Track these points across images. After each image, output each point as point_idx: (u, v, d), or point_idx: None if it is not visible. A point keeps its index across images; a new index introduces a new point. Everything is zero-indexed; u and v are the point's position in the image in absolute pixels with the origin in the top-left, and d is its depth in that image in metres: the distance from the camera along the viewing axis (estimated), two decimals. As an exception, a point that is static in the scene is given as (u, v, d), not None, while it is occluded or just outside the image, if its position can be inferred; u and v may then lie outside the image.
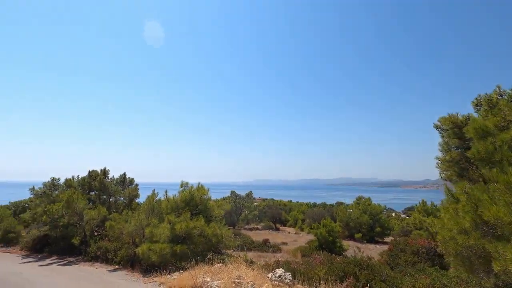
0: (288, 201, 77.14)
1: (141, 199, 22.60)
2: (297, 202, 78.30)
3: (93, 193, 21.49)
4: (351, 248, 27.23)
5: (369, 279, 9.48)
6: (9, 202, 41.62)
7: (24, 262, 17.05)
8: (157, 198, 13.92)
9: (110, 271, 12.87)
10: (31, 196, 22.36)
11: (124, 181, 22.88)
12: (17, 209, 37.06)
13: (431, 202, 23.90)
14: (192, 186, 12.32)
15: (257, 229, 46.84)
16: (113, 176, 22.60)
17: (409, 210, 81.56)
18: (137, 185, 22.35)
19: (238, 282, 6.54)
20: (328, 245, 23.32)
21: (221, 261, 9.27)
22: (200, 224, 10.53)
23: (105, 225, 14.68)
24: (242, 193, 55.98)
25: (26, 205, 35.27)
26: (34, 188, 21.10)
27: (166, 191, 12.47)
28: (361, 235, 35.19)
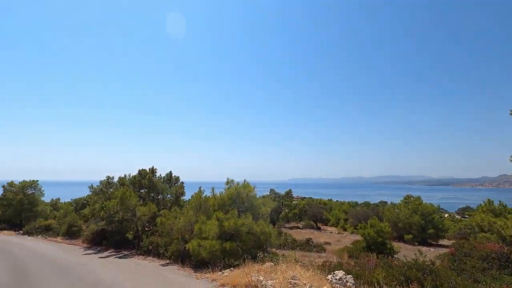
0: (329, 200, 74.98)
1: (186, 196, 23.42)
2: (337, 201, 75.80)
3: (143, 190, 22.75)
4: (402, 250, 25.43)
5: (435, 286, 8.57)
6: (71, 199, 46.14)
7: (86, 254, 18.60)
8: (203, 195, 14.20)
9: (162, 265, 13.43)
10: (90, 193, 24.35)
11: (170, 179, 23.88)
12: (78, 205, 40.96)
13: (499, 202, 21.26)
14: (238, 183, 12.35)
15: (298, 227, 46.15)
16: (160, 175, 23.72)
17: (464, 211, 74.18)
18: (182, 183, 23.20)
19: (294, 283, 6.25)
20: (377, 247, 21.99)
21: (272, 259, 9.07)
22: (248, 222, 10.46)
23: (156, 221, 15.37)
24: (281, 191, 55.61)
25: (85, 201, 38.79)
26: (92, 186, 22.96)
27: (213, 188, 12.64)
28: (411, 236, 32.76)
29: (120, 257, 16.77)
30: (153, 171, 23.29)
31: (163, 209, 20.85)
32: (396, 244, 26.38)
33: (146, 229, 20.47)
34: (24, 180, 36.80)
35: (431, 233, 32.50)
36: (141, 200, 21.67)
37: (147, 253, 16.32)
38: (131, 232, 20.43)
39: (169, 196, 23.00)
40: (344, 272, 6.43)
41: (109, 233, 21.49)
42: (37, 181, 37.59)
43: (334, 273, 6.44)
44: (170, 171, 24.26)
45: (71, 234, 26.21)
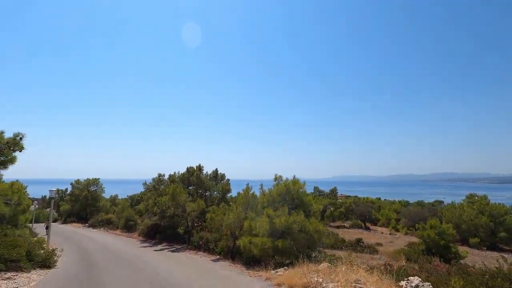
0: (377, 198, 70.60)
1: (231, 193, 23.68)
2: (385, 200, 71.04)
3: (191, 187, 23.56)
4: (469, 255, 22.72)
5: (527, 300, 7.25)
6: (127, 196, 50.00)
7: (142, 247, 19.80)
8: (250, 192, 14.10)
9: (213, 260, 13.63)
10: (144, 190, 25.96)
11: (216, 176, 24.38)
12: (133, 201, 44.19)
13: None
14: (287, 179, 11.97)
15: (344, 227, 44.20)
16: (206, 172, 24.34)
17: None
18: (228, 180, 23.51)
19: (360, 288, 5.67)
20: (439, 250, 19.88)
21: (328, 260, 8.52)
22: (300, 219, 10.02)
23: (206, 217, 15.69)
24: (325, 189, 53.77)
25: (139, 198, 41.70)
26: (145, 183, 24.42)
27: (261, 185, 12.47)
28: (478, 240, 29.20)
29: (172, 251, 17.49)
30: (200, 168, 23.97)
31: (210, 205, 21.35)
32: (460, 248, 23.68)
33: (196, 224, 21.14)
34: (87, 178, 40.83)
35: (503, 237, 28.62)
36: (190, 197, 22.42)
37: (197, 248, 16.77)
38: (181, 227, 21.27)
39: (215, 193, 23.48)
40: (420, 279, 5.65)
41: (162, 227, 22.68)
42: (98, 179, 41.42)
43: (409, 279, 5.69)
44: (216, 169, 24.77)
45: (128, 227, 28.32)
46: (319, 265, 8.46)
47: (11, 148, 8.50)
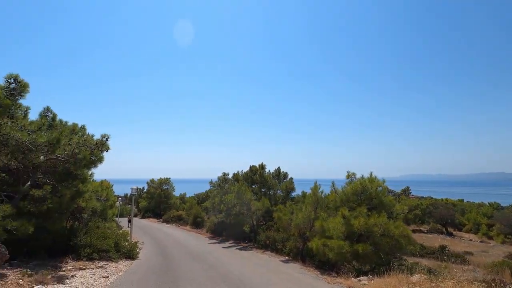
0: (459, 200, 61.39)
1: (295, 192, 22.94)
2: (468, 202, 61.12)
3: (254, 186, 23.58)
4: None
5: None
6: (194, 194, 53.29)
7: (211, 243, 20.49)
8: (319, 190, 13.23)
9: (283, 261, 13.15)
10: (210, 188, 27.02)
11: (279, 175, 23.95)
12: (199, 199, 46.85)
13: None
14: (362, 177, 10.77)
15: (420, 231, 39.43)
16: (269, 170, 24.10)
17: None
18: (291, 178, 22.87)
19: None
20: (559, 265, 15.87)
21: (423, 271, 7.20)
22: (383, 221, 8.80)
23: (273, 216, 15.32)
24: (395, 189, 48.86)
25: (204, 196, 44.01)
26: (212, 181, 25.36)
27: (333, 183, 11.52)
28: None
29: (240, 249, 17.61)
30: (262, 167, 23.85)
31: (274, 204, 21.02)
32: None
33: (260, 223, 21.04)
34: (160, 178, 44.72)
35: None
36: (254, 195, 22.43)
37: (264, 247, 16.52)
38: (247, 226, 21.40)
39: (279, 191, 23.06)
40: None
41: (228, 225, 23.23)
42: (169, 178, 45.04)
43: None
44: (279, 167, 24.37)
45: (196, 224, 29.94)
46: (410, 276, 7.20)
47: (100, 149, 9.33)
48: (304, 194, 21.01)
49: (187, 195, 53.31)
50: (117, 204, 35.99)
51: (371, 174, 10.71)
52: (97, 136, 9.88)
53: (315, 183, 13.51)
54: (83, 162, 9.24)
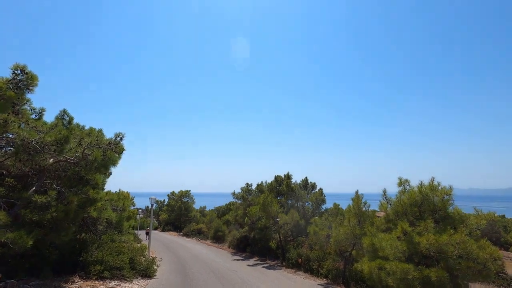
0: (500, 216, 55.41)
1: (326, 205, 20.81)
2: (511, 218, 54.79)
3: (280, 197, 21.76)
4: None
5: None
6: (214, 207, 51.91)
7: (234, 260, 18.67)
8: (362, 201, 11.29)
9: (322, 285, 11.16)
10: (233, 199, 25.43)
11: (307, 185, 22.00)
12: (219, 212, 45.33)
13: None
14: (421, 184, 8.77)
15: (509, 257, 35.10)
16: (295, 181, 22.24)
17: None
18: (321, 189, 20.83)
19: None
20: None
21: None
22: (461, 239, 6.75)
23: (307, 231, 13.42)
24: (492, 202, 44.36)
25: (224, 209, 42.47)
26: (234, 192, 23.80)
27: (384, 190, 9.61)
28: None
29: (267, 267, 15.71)
30: (289, 177, 22.07)
31: (303, 218, 19.04)
32: None
33: (288, 239, 19.04)
34: (181, 190, 43.79)
35: None
36: (281, 207, 20.60)
37: (296, 266, 14.52)
38: (273, 241, 19.50)
39: (307, 203, 21.04)
40: None
41: (252, 240, 21.39)
42: (189, 191, 44.02)
43: None
44: (306, 177, 22.43)
45: (217, 238, 28.25)
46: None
47: (113, 149, 8.13)
48: (336, 207, 18.91)
49: (207, 209, 52.01)
50: (138, 216, 35.14)
51: (432, 180, 8.72)
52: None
53: (357, 192, 11.58)
54: (94, 165, 8.04)
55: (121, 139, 8.32)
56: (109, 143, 8.16)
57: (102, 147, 8.19)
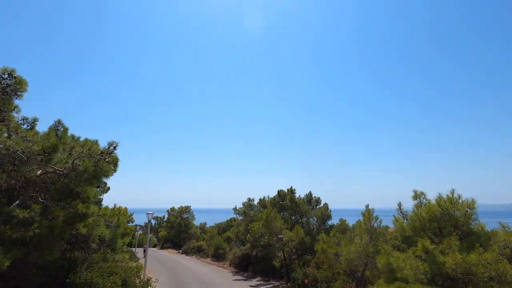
0: None
1: (332, 220, 19.87)
2: None
3: (283, 213, 20.86)
4: None
5: None
6: (214, 224, 50.48)
7: (235, 280, 17.56)
8: (373, 216, 10.52)
9: (331, 309, 10.20)
10: (234, 215, 24.48)
11: (311, 200, 21.14)
12: (219, 229, 43.97)
13: None
14: (440, 196, 8.04)
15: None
16: (299, 196, 21.40)
17: None
18: (326, 204, 19.97)
19: None
20: None
21: None
22: (492, 259, 5.98)
23: (313, 249, 12.53)
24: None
25: (225, 225, 41.22)
26: (236, 207, 22.90)
27: (399, 203, 8.87)
28: None
29: (271, 289, 14.68)
30: (292, 191, 21.25)
31: (308, 234, 18.09)
32: None
33: (293, 257, 18.01)
34: (181, 206, 42.68)
35: None
36: (284, 223, 19.67)
37: (302, 287, 13.50)
38: (277, 260, 18.46)
39: (312, 219, 20.11)
40: None
41: (254, 258, 20.30)
42: (189, 206, 42.91)
43: None
44: (310, 191, 21.62)
45: (217, 256, 27.02)
46: None
47: (105, 159, 7.51)
48: (343, 222, 18.00)
49: (207, 225, 50.65)
50: (136, 234, 33.88)
51: (452, 193, 8.00)
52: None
53: (367, 207, 10.81)
54: (85, 176, 7.41)
55: (114, 148, 7.72)
56: (102, 152, 7.55)
57: (94, 157, 7.57)
